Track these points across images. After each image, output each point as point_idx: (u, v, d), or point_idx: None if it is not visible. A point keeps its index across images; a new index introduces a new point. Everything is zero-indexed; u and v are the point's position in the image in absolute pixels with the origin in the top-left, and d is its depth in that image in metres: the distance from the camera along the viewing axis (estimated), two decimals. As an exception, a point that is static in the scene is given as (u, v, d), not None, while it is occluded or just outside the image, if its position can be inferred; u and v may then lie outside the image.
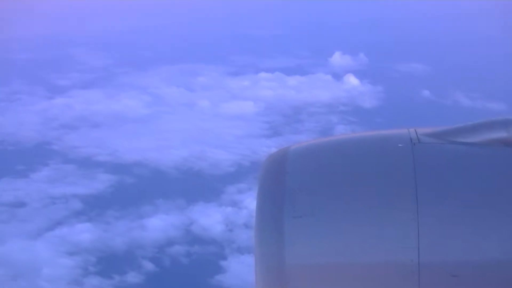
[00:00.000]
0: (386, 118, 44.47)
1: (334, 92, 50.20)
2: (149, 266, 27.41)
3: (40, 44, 70.77)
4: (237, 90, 50.83)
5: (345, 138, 3.15)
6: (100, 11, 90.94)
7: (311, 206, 2.68)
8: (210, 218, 30.47)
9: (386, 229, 2.62)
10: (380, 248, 2.61)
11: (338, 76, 54.29)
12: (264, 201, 2.76)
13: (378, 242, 2.61)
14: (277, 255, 2.64)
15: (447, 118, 41.77)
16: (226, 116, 44.95)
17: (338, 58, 61.33)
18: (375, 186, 2.71)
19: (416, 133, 2.91)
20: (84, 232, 29.50)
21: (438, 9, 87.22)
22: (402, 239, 2.59)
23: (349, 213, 2.66)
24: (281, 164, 2.85)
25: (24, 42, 71.09)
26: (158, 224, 30.17)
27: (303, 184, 2.76)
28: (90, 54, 64.96)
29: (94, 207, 32.30)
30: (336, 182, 2.78)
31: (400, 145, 2.83)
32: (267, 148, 37.21)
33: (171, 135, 41.09)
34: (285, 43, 71.04)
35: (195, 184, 34.78)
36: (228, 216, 30.71)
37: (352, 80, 52.50)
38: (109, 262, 27.61)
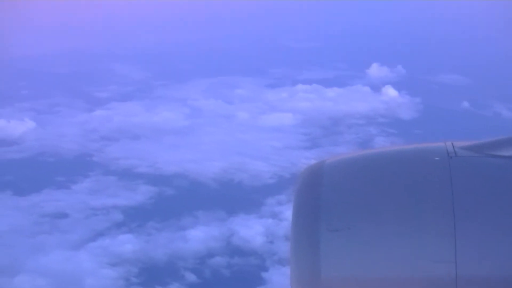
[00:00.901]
0: (425, 129, 44.21)
1: (373, 103, 49.98)
2: (191, 277, 27.49)
3: (79, 57, 71.46)
4: (275, 102, 50.84)
5: (381, 151, 3.14)
6: (137, 24, 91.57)
7: (346, 220, 2.67)
8: (251, 230, 30.49)
9: (422, 243, 2.60)
10: (416, 262, 2.59)
11: (376, 87, 54.05)
12: (299, 214, 2.77)
13: (414, 256, 2.59)
14: (312, 268, 2.64)
15: (488, 130, 41.37)
16: (264, 128, 44.99)
17: (375, 70, 61.05)
18: (411, 200, 2.70)
19: (453, 147, 2.90)
20: (126, 243, 29.68)
21: (475, 18, 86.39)
22: (439, 253, 2.57)
23: (385, 227, 2.65)
24: (317, 177, 2.87)
25: (63, 55, 71.85)
26: (199, 235, 30.25)
27: (339, 198, 2.77)
28: (128, 67, 65.45)
29: (135, 219, 32.48)
30: (372, 195, 2.77)
31: (436, 158, 2.84)
32: (307, 160, 37.16)
33: (211, 146, 41.24)
34: (321, 55, 70.90)
35: (235, 196, 34.84)
36: (269, 228, 30.70)
37: (390, 92, 52.24)
38: (151, 273, 27.76)
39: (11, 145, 43.74)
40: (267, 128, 44.81)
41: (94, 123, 47.39)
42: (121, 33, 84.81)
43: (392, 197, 2.73)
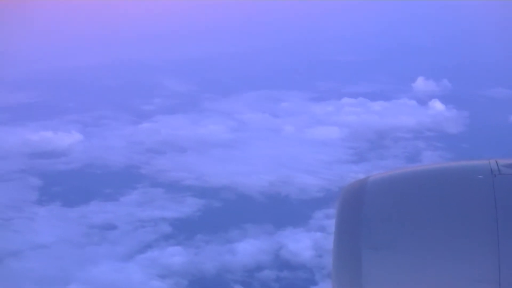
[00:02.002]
0: (473, 143, 43.77)
1: (420, 117, 49.61)
2: (240, 290, 27.54)
3: (125, 70, 72.25)
4: (321, 115, 50.78)
5: (424, 169, 3.14)
6: (184, 37, 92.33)
7: (388, 238, 2.68)
8: (299, 243, 30.39)
9: (465, 262, 2.56)
10: (459, 282, 2.55)
11: (422, 101, 53.71)
12: (342, 231, 2.80)
13: (457, 276, 2.56)
14: (354, 285, 2.63)
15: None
16: (311, 141, 44.93)
17: (421, 83, 60.64)
18: (454, 219, 2.67)
19: (497, 164, 2.85)
20: (174, 256, 29.79)
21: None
22: (483, 273, 2.52)
23: (427, 245, 2.63)
24: (359, 195, 2.89)
25: (110, 68, 72.70)
26: (247, 248, 30.24)
27: (380, 215, 2.78)
28: (174, 80, 65.93)
29: (183, 231, 32.59)
30: (414, 214, 2.75)
31: (480, 176, 2.77)
32: (354, 174, 37.01)
33: (258, 160, 41.29)
34: (365, 68, 70.71)
35: (283, 209, 34.81)
36: (317, 242, 30.56)
37: (437, 106, 51.86)
38: (201, 286, 27.83)
39: (58, 156, 44.30)
40: (313, 142, 44.74)
41: (140, 135, 47.76)
42: (167, 46, 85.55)
43: (434, 216, 2.69)
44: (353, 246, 2.69)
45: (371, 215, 2.76)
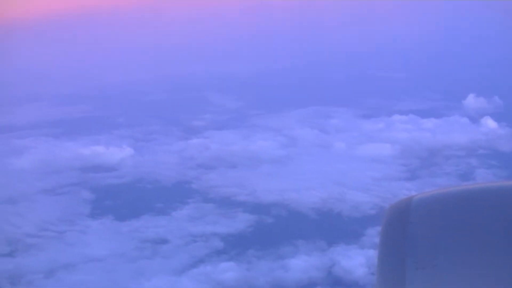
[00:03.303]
0: (528, 162, 43.08)
1: (472, 135, 48.92)
2: (293, 306, 27.44)
3: (175, 85, 72.94)
4: (371, 132, 50.46)
5: (470, 188, 3.07)
6: (234, 54, 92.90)
7: (433, 258, 2.62)
8: (352, 261, 30.19)
9: None
10: None
11: (474, 118, 53.03)
12: (386, 250, 2.77)
13: None
14: None
15: None
16: (362, 158, 44.64)
17: (472, 101, 59.89)
18: (500, 239, 2.61)
19: None
20: (227, 271, 29.82)
21: None
22: None
23: (473, 267, 2.57)
24: (404, 214, 2.87)
25: (160, 83, 73.44)
26: (300, 264, 30.13)
27: (425, 235, 2.74)
28: (222, 96, 66.32)
29: (234, 246, 32.63)
30: (460, 233, 2.70)
31: None
32: (407, 191, 36.76)
33: (309, 176, 41.17)
34: (413, 85, 70.16)
35: (335, 226, 34.62)
36: (370, 259, 30.30)
37: (489, 123, 51.11)
38: (253, 301, 27.83)
39: (110, 171, 44.85)
40: (364, 158, 44.44)
41: (191, 151, 48.04)
42: (217, 62, 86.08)
43: (480, 237, 2.66)
44: (397, 265, 2.67)
45: (416, 234, 2.75)
